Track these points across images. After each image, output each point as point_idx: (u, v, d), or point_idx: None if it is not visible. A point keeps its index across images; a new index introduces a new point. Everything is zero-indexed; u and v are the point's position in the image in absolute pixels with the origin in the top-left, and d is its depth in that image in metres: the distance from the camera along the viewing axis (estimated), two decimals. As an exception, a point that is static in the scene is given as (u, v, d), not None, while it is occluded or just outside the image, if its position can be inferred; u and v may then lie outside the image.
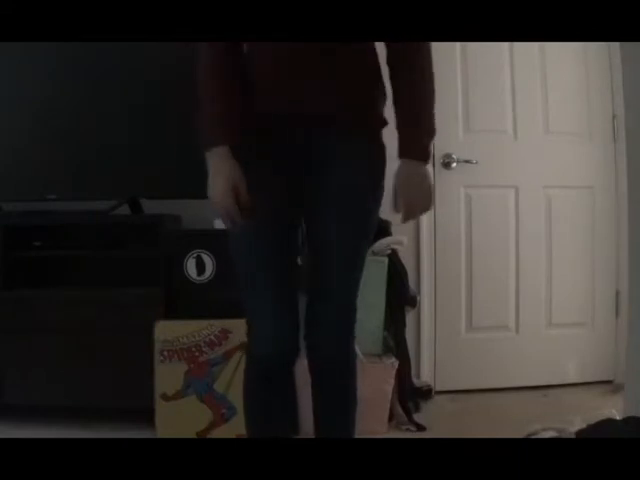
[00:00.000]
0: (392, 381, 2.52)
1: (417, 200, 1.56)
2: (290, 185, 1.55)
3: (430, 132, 1.60)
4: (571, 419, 1.80)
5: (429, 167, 1.63)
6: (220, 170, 1.48)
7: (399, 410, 2.60)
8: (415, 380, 2.87)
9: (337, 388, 1.73)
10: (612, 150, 3.14)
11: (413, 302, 2.80)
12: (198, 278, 2.52)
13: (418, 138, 1.58)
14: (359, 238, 1.63)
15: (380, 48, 1.66)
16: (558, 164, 3.12)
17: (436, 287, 3.06)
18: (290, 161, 1.54)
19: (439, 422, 2.61)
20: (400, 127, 1.60)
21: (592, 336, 3.16)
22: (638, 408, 1.86)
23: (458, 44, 3.04)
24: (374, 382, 2.47)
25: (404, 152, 1.58)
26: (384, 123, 1.69)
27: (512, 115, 3.10)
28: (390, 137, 1.64)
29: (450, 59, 3.04)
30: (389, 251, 2.63)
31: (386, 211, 2.75)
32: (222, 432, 2.38)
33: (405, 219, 1.57)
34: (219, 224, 2.04)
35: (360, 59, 1.59)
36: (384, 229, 2.71)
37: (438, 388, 3.01)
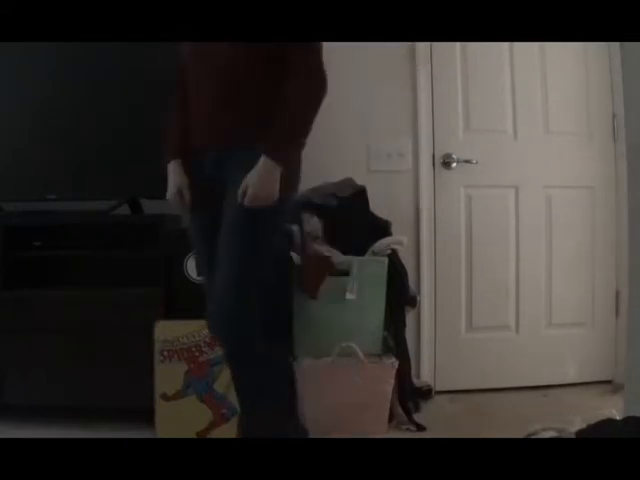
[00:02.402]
0: (392, 381, 2.52)
1: (255, 189, 1.75)
2: (210, 192, 1.89)
3: (292, 140, 1.79)
4: (571, 419, 1.81)
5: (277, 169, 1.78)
6: (170, 179, 1.96)
7: (399, 410, 2.60)
8: (415, 380, 2.86)
9: (242, 379, 1.92)
10: (612, 150, 3.13)
11: (413, 302, 2.80)
12: (198, 278, 2.52)
13: (277, 139, 1.77)
14: (248, 238, 1.80)
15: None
16: (558, 164, 3.11)
17: (436, 287, 3.06)
18: (208, 175, 1.90)
19: (439, 422, 2.60)
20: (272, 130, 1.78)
21: (592, 336, 3.16)
22: (638, 408, 1.86)
23: (458, 44, 3.04)
24: (374, 382, 2.47)
25: (262, 148, 1.77)
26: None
27: (512, 115, 3.10)
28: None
29: (450, 59, 3.04)
30: (389, 251, 2.63)
31: (386, 211, 2.78)
32: (222, 432, 2.38)
33: (246, 200, 1.76)
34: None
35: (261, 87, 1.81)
36: (384, 229, 2.71)
37: (438, 388, 3.01)
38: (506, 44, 3.06)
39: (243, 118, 1.83)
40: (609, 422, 1.73)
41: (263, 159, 1.75)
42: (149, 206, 2.74)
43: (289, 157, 1.79)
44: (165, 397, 2.41)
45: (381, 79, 3.01)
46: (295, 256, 2.49)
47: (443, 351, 3.07)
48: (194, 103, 1.92)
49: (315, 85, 1.80)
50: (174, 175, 1.96)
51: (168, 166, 1.98)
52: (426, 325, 3.04)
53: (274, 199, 1.77)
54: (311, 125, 1.81)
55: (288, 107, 1.76)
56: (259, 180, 1.75)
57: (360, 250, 2.58)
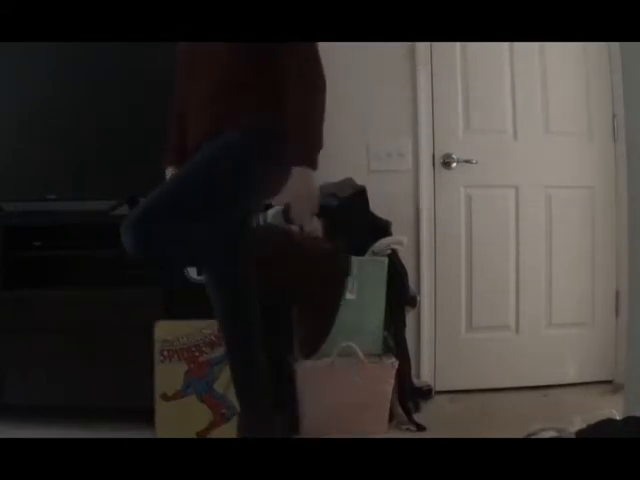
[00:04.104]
0: (392, 381, 2.52)
1: (301, 203, 1.78)
2: None
3: (316, 143, 1.79)
4: (571, 419, 1.80)
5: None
6: None
7: (399, 410, 2.60)
8: (415, 380, 2.86)
9: None
10: (612, 150, 3.13)
11: (413, 302, 2.80)
12: (198, 278, 2.52)
13: (304, 148, 1.78)
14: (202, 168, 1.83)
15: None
16: (558, 164, 3.11)
17: (436, 287, 3.06)
18: None
19: (439, 422, 2.60)
20: (290, 140, 1.79)
21: (592, 336, 3.16)
22: (638, 408, 1.86)
23: (458, 44, 3.04)
24: (374, 382, 2.47)
25: (294, 161, 1.77)
26: None
27: (512, 115, 3.10)
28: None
29: (450, 59, 3.04)
30: (389, 251, 2.63)
31: (386, 211, 2.78)
32: (222, 432, 2.38)
33: (294, 221, 1.78)
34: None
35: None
36: (384, 229, 2.71)
37: (438, 388, 3.01)
38: (506, 44, 3.06)
39: (237, 117, 1.83)
40: (609, 422, 1.72)
41: (298, 171, 1.76)
42: (149, 206, 2.74)
43: (317, 159, 1.81)
44: (165, 397, 2.41)
45: (381, 79, 3.01)
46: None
47: (443, 351, 3.07)
48: (189, 103, 1.94)
49: (319, 86, 1.81)
50: None
51: (166, 172, 2.04)
52: (426, 325, 3.04)
53: (317, 200, 1.80)
54: (323, 123, 1.82)
55: (301, 113, 1.77)
56: (303, 191, 1.77)
57: (360, 250, 2.58)
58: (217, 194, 1.79)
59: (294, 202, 1.76)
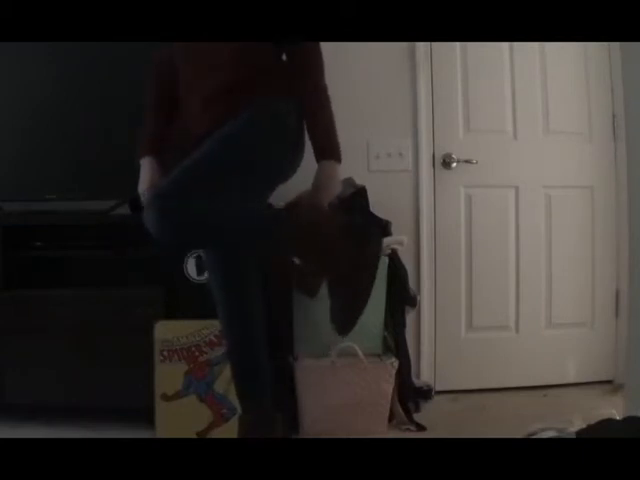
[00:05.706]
0: (392, 381, 2.52)
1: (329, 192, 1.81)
2: None
3: (336, 136, 1.82)
4: (571, 419, 1.81)
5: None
6: (144, 175, 1.99)
7: (399, 410, 2.60)
8: (415, 380, 2.86)
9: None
10: (612, 150, 3.13)
11: (413, 302, 2.80)
12: (198, 278, 2.52)
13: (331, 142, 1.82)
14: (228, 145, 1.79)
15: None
16: (558, 164, 3.12)
17: (436, 287, 3.06)
18: None
19: (439, 422, 2.61)
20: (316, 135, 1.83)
21: (592, 336, 3.16)
22: (638, 408, 1.86)
23: (458, 44, 3.04)
24: (374, 382, 2.47)
25: (323, 156, 1.81)
26: None
27: (512, 115, 3.10)
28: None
29: (450, 59, 3.04)
30: (389, 251, 2.63)
31: (386, 211, 2.78)
32: (222, 432, 2.38)
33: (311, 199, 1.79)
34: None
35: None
36: (384, 229, 2.71)
37: (438, 388, 3.01)
38: (506, 44, 3.06)
39: (252, 103, 1.80)
40: (609, 422, 1.73)
41: (326, 164, 1.78)
42: (149, 206, 2.74)
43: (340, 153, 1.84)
44: (165, 397, 2.42)
45: (381, 79, 3.02)
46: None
47: (443, 351, 3.07)
48: (188, 103, 1.91)
49: (323, 81, 1.84)
50: (150, 171, 1.99)
51: (142, 161, 2.00)
52: (426, 325, 3.04)
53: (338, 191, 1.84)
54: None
55: (317, 110, 1.81)
56: (333, 184, 1.80)
57: (360, 250, 2.58)
58: (236, 175, 1.73)
59: (320, 192, 1.78)
